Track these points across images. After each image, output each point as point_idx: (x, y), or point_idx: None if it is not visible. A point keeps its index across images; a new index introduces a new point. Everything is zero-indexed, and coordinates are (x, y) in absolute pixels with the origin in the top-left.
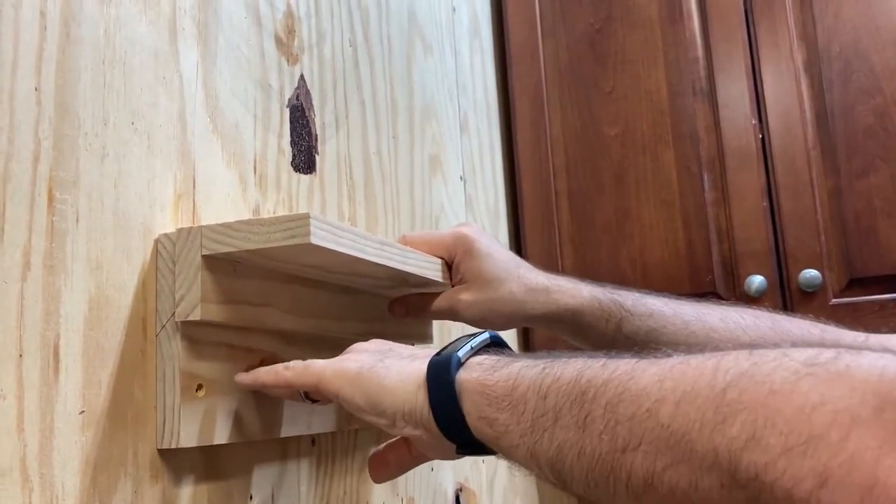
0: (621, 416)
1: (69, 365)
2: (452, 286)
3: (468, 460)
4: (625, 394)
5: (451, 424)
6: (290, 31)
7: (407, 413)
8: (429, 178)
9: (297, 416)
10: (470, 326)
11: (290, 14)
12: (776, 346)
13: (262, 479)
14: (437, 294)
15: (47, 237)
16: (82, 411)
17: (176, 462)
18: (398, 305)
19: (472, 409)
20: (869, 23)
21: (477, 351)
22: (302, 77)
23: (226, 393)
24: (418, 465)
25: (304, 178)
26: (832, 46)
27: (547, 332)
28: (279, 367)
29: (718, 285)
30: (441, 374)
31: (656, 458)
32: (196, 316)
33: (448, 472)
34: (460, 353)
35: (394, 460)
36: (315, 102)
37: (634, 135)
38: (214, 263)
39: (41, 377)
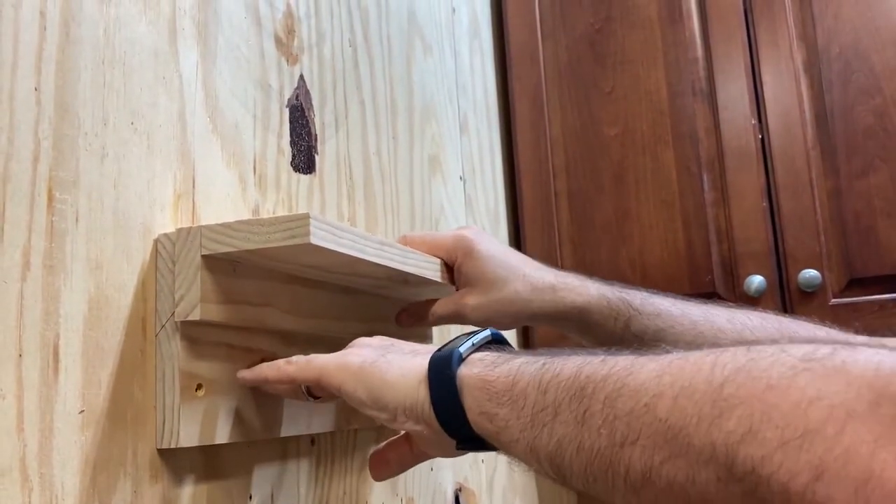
0: (620, 411)
1: (69, 365)
2: (456, 290)
3: (468, 460)
4: (623, 389)
5: (452, 419)
6: (290, 32)
7: (408, 408)
8: (428, 179)
9: (297, 415)
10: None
11: (289, 14)
12: (774, 342)
13: (261, 479)
14: (443, 300)
15: (47, 237)
16: (82, 411)
17: (175, 462)
18: (405, 316)
19: (472, 405)
20: (869, 23)
21: (478, 347)
22: (302, 77)
23: (225, 393)
24: (419, 462)
25: (304, 178)
26: (832, 47)
27: (554, 329)
28: (281, 362)
29: (718, 285)
30: (442, 370)
31: (654, 452)
32: (196, 316)
33: (447, 471)
34: (462, 349)
35: (394, 458)
36: (315, 102)
37: (634, 135)
38: (214, 263)
39: (41, 377)
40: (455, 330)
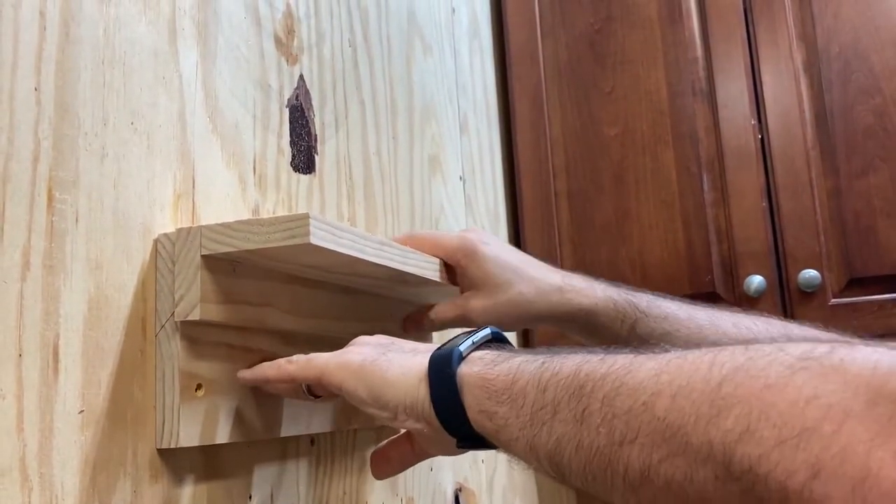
0: (618, 410)
1: (69, 365)
2: (461, 293)
3: (467, 459)
4: (622, 387)
5: (452, 418)
6: (290, 32)
7: (409, 406)
8: (428, 179)
9: (297, 415)
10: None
11: (289, 14)
12: (773, 341)
13: (261, 479)
14: (447, 304)
15: (47, 237)
16: (82, 411)
17: (175, 462)
18: (411, 324)
19: (472, 403)
20: (868, 23)
21: (478, 346)
22: (301, 77)
23: (225, 392)
24: (420, 461)
25: (304, 178)
26: (832, 46)
27: (559, 330)
28: (281, 361)
29: (718, 285)
30: (442, 368)
31: (652, 450)
32: (195, 316)
33: (447, 471)
34: (462, 348)
35: (396, 456)
36: (314, 102)
37: (634, 135)
38: (214, 263)
39: (41, 377)
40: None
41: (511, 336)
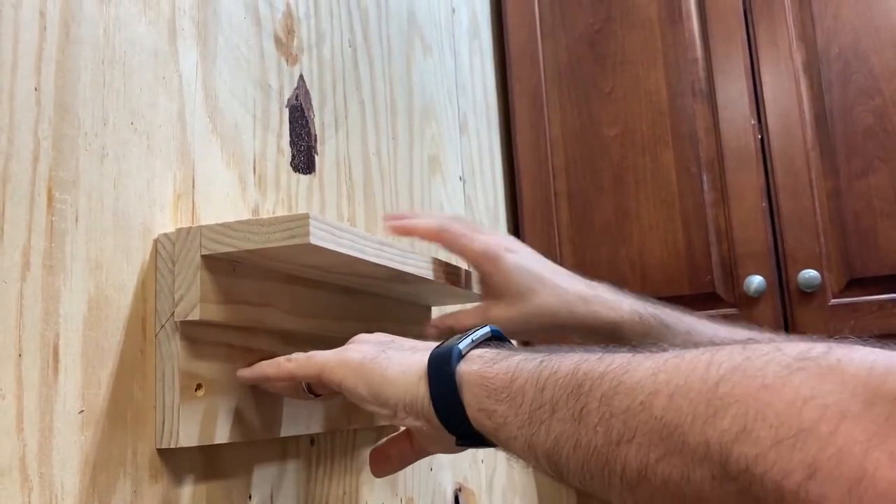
0: (616, 409)
1: (69, 365)
2: (483, 299)
3: (467, 459)
4: (620, 387)
5: (451, 416)
6: (290, 32)
7: (408, 404)
8: (428, 179)
9: (297, 415)
10: None
11: (289, 14)
12: (771, 340)
13: (261, 479)
14: (468, 312)
15: (47, 237)
16: (82, 411)
17: (175, 462)
18: (433, 332)
19: (471, 401)
20: (868, 24)
21: (478, 344)
22: (301, 77)
23: (225, 392)
24: (419, 458)
25: (304, 178)
26: (831, 47)
27: (583, 342)
28: (281, 359)
29: (718, 286)
30: (442, 366)
31: (650, 450)
32: (195, 316)
33: (447, 471)
34: (461, 346)
35: (395, 454)
36: (314, 103)
37: (634, 135)
38: (214, 263)
39: (41, 377)
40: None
41: None
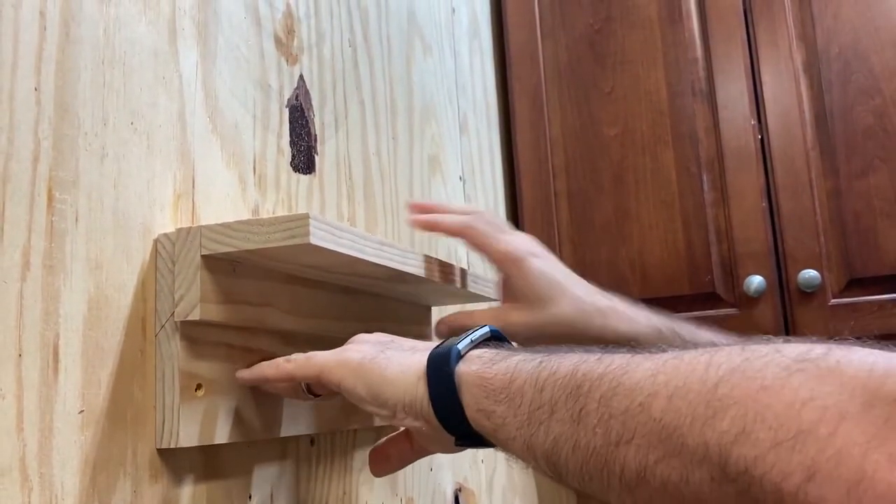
0: (615, 410)
1: (68, 365)
2: (503, 301)
3: (467, 459)
4: (619, 388)
5: (450, 416)
6: (290, 32)
7: (407, 404)
8: (428, 179)
9: (297, 415)
10: None
11: (289, 14)
12: (769, 341)
13: (261, 479)
14: (486, 312)
15: (47, 237)
16: (82, 411)
17: (175, 462)
18: (443, 328)
19: (470, 402)
20: (868, 24)
21: (477, 344)
22: (301, 77)
23: (225, 392)
24: (419, 458)
25: (304, 178)
26: (831, 47)
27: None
28: (280, 360)
29: (718, 286)
30: (441, 367)
31: (649, 451)
32: (195, 316)
33: (447, 471)
34: (460, 346)
35: (394, 454)
36: (314, 103)
37: (634, 135)
38: (214, 263)
39: (41, 377)
40: None
41: None
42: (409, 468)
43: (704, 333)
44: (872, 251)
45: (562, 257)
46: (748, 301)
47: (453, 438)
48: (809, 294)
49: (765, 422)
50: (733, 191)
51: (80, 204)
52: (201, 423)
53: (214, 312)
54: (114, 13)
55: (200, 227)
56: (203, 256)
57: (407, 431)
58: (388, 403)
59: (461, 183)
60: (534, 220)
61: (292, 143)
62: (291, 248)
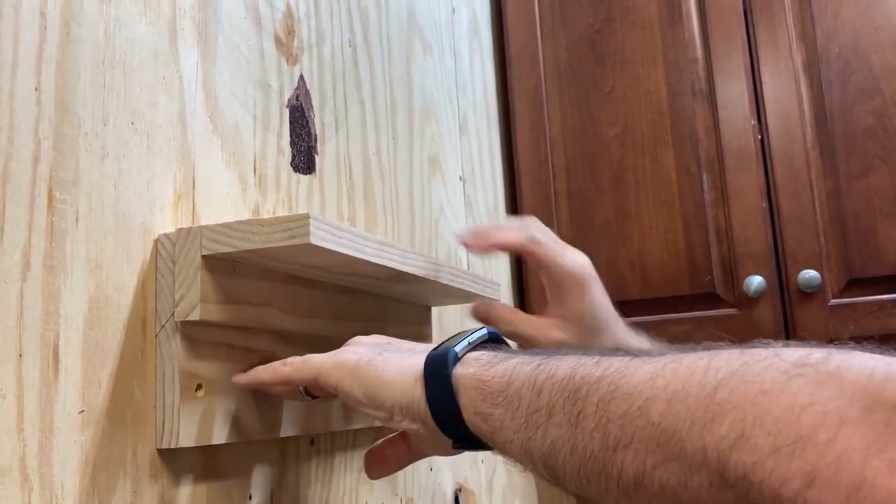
0: (613, 414)
1: (69, 365)
2: (550, 316)
3: (467, 460)
4: (617, 391)
5: (448, 419)
6: (290, 32)
7: (404, 407)
8: (428, 179)
9: (297, 415)
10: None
11: (289, 14)
12: (768, 345)
13: (261, 479)
14: (529, 318)
15: (47, 237)
16: (82, 411)
17: (175, 462)
18: (481, 313)
19: (467, 404)
20: (868, 24)
21: (474, 346)
22: (301, 77)
23: (225, 393)
24: (416, 460)
25: (304, 178)
26: (831, 47)
27: None
28: (276, 364)
29: (718, 286)
30: (438, 369)
31: (647, 456)
32: (195, 316)
33: (447, 471)
34: (457, 349)
35: (391, 456)
36: (315, 103)
37: (634, 135)
38: (214, 263)
39: (41, 377)
40: (452, 328)
41: None
42: (409, 468)
43: None
44: (872, 251)
45: None
46: (748, 301)
47: (450, 441)
48: (809, 294)
49: (764, 427)
50: (733, 191)
51: (80, 204)
52: (201, 424)
53: (214, 312)
54: (114, 13)
55: (201, 228)
56: (203, 256)
57: (404, 433)
58: (385, 406)
59: (461, 183)
60: None
61: (292, 143)
62: (291, 248)
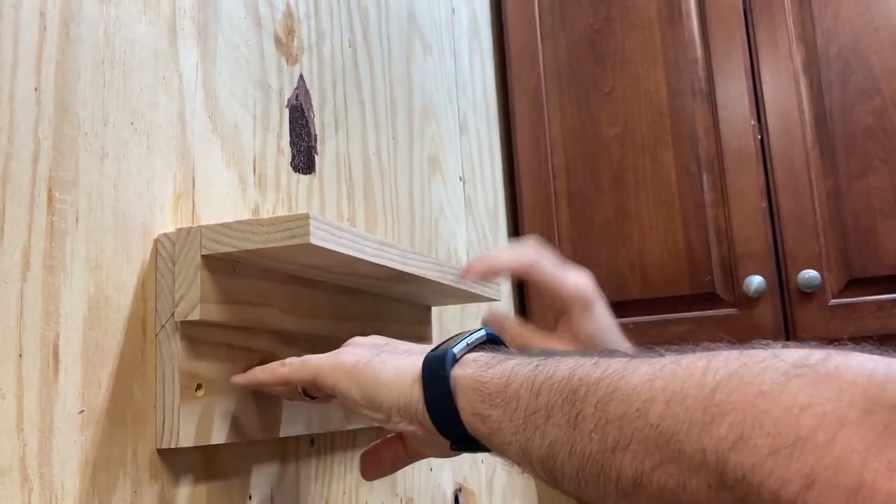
0: (611, 415)
1: (69, 365)
2: (553, 330)
3: (467, 460)
4: (615, 392)
5: (446, 420)
6: (290, 32)
7: (402, 408)
8: (428, 179)
9: (296, 415)
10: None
11: (289, 14)
12: (767, 346)
13: (260, 479)
14: (534, 333)
15: (47, 237)
16: (82, 411)
17: (175, 462)
18: (492, 318)
19: (466, 406)
20: (868, 24)
21: (473, 347)
22: (301, 77)
23: (225, 393)
24: (413, 462)
25: (304, 178)
26: (831, 47)
27: None
28: (275, 364)
29: (717, 286)
30: (436, 370)
31: (645, 457)
32: (195, 316)
33: (447, 472)
34: (455, 350)
35: (388, 457)
36: (314, 103)
37: (634, 135)
38: (214, 263)
39: (41, 377)
40: (452, 328)
41: None
42: (408, 468)
43: None
44: (872, 251)
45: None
46: (748, 301)
47: (448, 442)
48: (809, 294)
49: (763, 428)
50: (733, 191)
51: (80, 204)
52: (201, 424)
53: (214, 312)
54: (114, 13)
55: (200, 227)
56: (203, 256)
57: (400, 434)
58: (383, 407)
59: (461, 183)
60: (534, 220)
61: (292, 143)
62: (291, 248)
